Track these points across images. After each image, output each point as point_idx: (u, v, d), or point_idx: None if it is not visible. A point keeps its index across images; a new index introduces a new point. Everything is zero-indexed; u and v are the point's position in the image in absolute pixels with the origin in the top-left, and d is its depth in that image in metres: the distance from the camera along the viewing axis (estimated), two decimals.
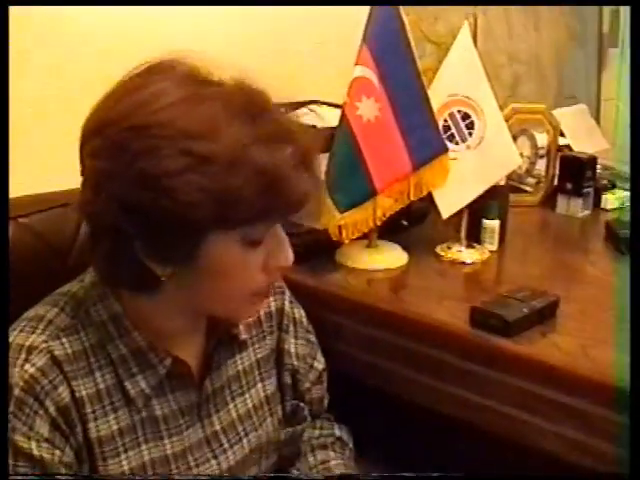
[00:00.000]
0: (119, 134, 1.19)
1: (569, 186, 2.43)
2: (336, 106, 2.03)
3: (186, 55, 1.27)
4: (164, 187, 1.16)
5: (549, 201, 2.51)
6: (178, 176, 1.16)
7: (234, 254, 1.25)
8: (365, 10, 1.90)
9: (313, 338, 1.65)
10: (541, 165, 2.55)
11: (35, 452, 1.25)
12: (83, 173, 1.27)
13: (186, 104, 1.19)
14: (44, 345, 1.28)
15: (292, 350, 1.59)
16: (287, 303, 1.60)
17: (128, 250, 1.24)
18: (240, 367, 1.50)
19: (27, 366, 1.26)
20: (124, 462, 1.34)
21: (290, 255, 1.32)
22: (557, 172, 2.50)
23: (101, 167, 1.21)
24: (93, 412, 1.31)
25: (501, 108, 2.12)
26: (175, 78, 1.23)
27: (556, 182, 2.50)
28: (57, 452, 1.27)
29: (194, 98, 1.20)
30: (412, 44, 1.94)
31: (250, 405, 1.51)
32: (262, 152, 1.19)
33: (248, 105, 1.22)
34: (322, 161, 1.82)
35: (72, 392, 1.29)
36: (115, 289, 1.34)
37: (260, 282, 1.31)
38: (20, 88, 1.82)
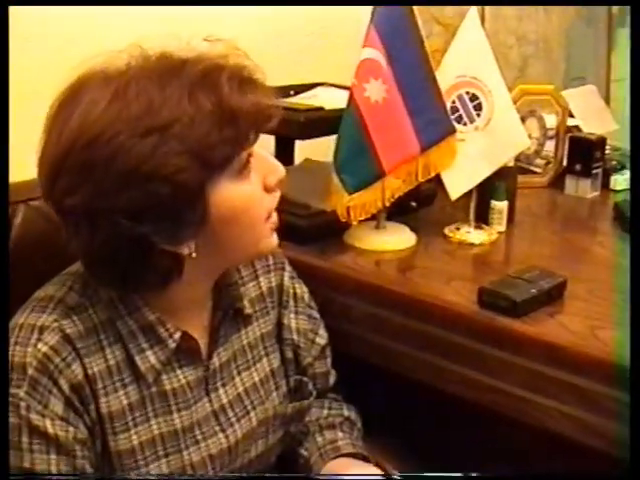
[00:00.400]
0: (78, 158, 1.22)
1: (578, 167, 2.43)
2: (344, 88, 2.03)
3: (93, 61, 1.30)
4: (147, 173, 1.20)
5: (558, 182, 2.50)
6: (152, 156, 1.19)
7: (236, 193, 1.30)
8: None
9: (315, 314, 1.67)
10: (550, 146, 2.54)
11: (50, 430, 1.27)
12: (65, 221, 1.29)
13: (117, 99, 1.22)
14: (55, 324, 1.30)
15: (293, 325, 1.61)
16: (287, 279, 1.62)
17: (150, 248, 1.26)
18: (245, 341, 1.52)
19: (40, 345, 1.28)
20: (134, 437, 1.36)
21: (279, 166, 1.38)
22: (566, 153, 2.49)
23: (85, 196, 1.23)
24: (104, 388, 1.33)
25: (510, 89, 2.12)
26: (95, 85, 1.26)
27: (565, 163, 2.50)
28: (71, 429, 1.29)
29: (121, 90, 1.23)
30: (420, 26, 1.94)
31: (256, 379, 1.53)
32: (205, 94, 1.23)
33: (165, 67, 1.26)
34: (329, 144, 1.84)
35: (84, 369, 1.31)
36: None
37: (268, 203, 1.37)
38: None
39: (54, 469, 1.28)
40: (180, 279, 1.33)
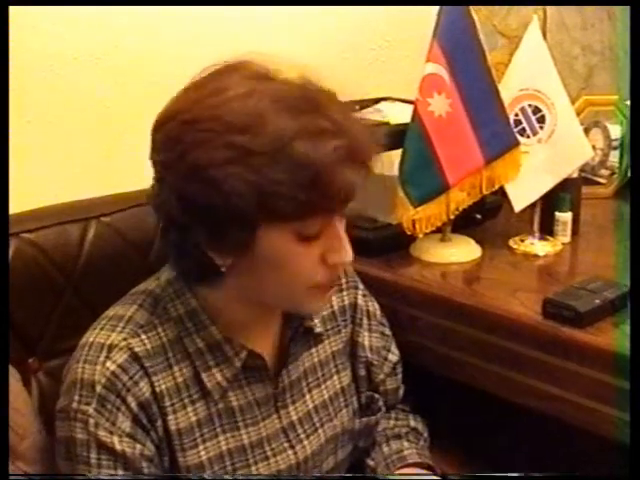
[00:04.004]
0: (175, 128, 1.25)
1: None
2: (408, 102, 2.05)
3: (259, 55, 1.30)
4: (210, 178, 1.20)
5: (622, 192, 2.49)
6: (222, 168, 1.20)
7: (289, 247, 1.27)
8: (434, 8, 1.92)
9: (387, 331, 1.67)
10: (614, 156, 2.53)
11: (117, 447, 1.29)
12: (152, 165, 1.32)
13: (237, 99, 1.22)
14: (124, 343, 1.32)
15: (366, 343, 1.61)
16: (360, 297, 1.62)
17: (191, 240, 1.28)
18: (316, 359, 1.53)
19: (108, 363, 1.30)
20: (202, 452, 1.37)
21: (348, 251, 1.32)
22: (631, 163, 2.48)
23: (160, 160, 1.28)
24: (172, 405, 1.35)
25: (575, 99, 2.12)
26: (239, 76, 1.26)
27: (629, 173, 2.49)
28: (138, 446, 1.31)
29: (247, 94, 1.23)
30: (483, 39, 1.96)
31: (326, 396, 1.54)
32: (306, 146, 1.20)
33: (300, 101, 1.23)
34: (394, 158, 1.86)
35: (152, 387, 1.33)
36: (188, 283, 1.37)
37: (319, 275, 1.32)
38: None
39: None
40: (222, 290, 1.35)
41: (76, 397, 1.30)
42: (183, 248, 1.31)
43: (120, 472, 1.30)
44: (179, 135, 1.24)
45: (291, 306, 1.41)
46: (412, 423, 1.71)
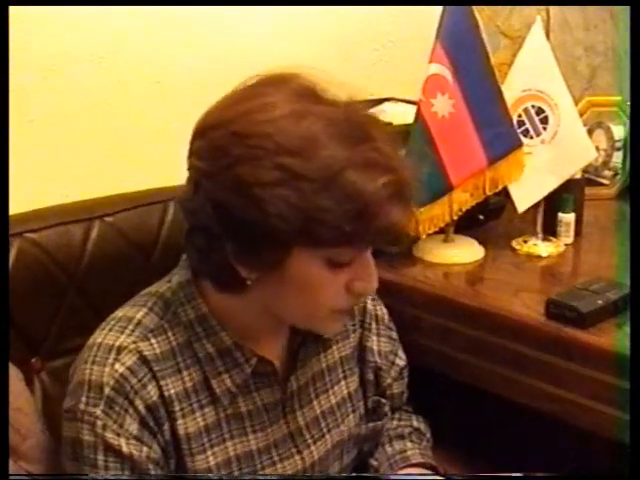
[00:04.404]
0: (222, 138, 1.23)
1: None
2: (411, 103, 2.05)
3: (304, 70, 1.29)
4: (255, 196, 1.18)
5: (626, 194, 2.48)
6: (269, 188, 1.18)
7: (318, 271, 1.26)
8: (437, 8, 1.92)
9: (395, 335, 1.67)
10: (618, 157, 2.53)
11: (124, 449, 1.29)
12: (188, 170, 1.30)
13: (290, 119, 1.21)
14: (133, 345, 1.32)
15: (375, 348, 1.61)
16: (369, 301, 1.61)
17: (219, 250, 1.26)
18: (324, 364, 1.53)
19: (117, 365, 1.30)
20: (210, 458, 1.37)
21: (375, 281, 1.32)
22: None
23: (201, 167, 1.25)
24: (181, 410, 1.34)
25: (578, 100, 2.12)
26: (287, 92, 1.25)
27: None
28: (145, 449, 1.30)
29: (299, 114, 1.21)
30: (486, 40, 1.96)
31: (333, 402, 1.54)
32: (357, 177, 1.19)
33: (351, 129, 1.22)
34: None
35: (160, 390, 1.32)
36: (202, 288, 1.37)
37: (343, 301, 1.32)
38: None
39: None
40: (241, 300, 1.34)
41: (83, 398, 1.30)
42: (208, 255, 1.30)
43: (127, 474, 1.29)
44: (227, 146, 1.22)
45: (309, 326, 1.41)
46: (415, 423, 1.71)
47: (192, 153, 1.29)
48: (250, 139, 1.20)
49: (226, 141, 1.22)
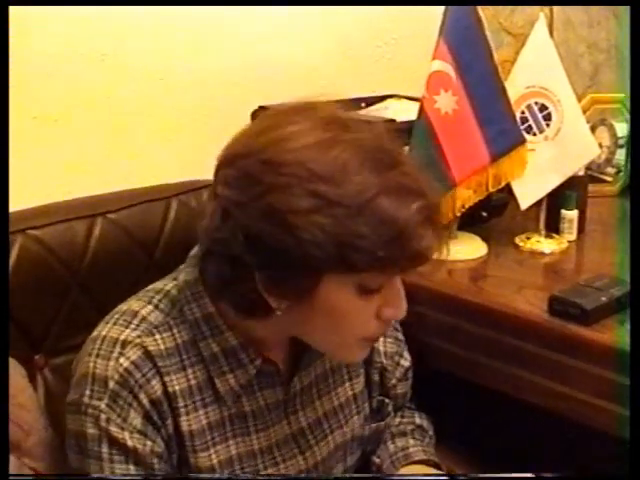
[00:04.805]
0: (252, 166, 1.22)
1: None
2: (414, 100, 2.05)
3: (330, 98, 1.30)
4: (289, 223, 1.17)
5: (629, 191, 2.47)
6: (304, 215, 1.17)
7: (349, 298, 1.25)
8: (440, 6, 1.93)
9: (401, 336, 1.66)
10: (621, 154, 2.53)
11: (129, 442, 1.29)
12: (214, 198, 1.28)
13: (320, 147, 1.20)
14: (138, 340, 1.32)
15: (381, 348, 1.60)
16: None
17: (248, 279, 1.25)
18: (328, 366, 1.52)
19: (122, 359, 1.30)
20: (213, 456, 1.37)
21: (404, 308, 1.31)
22: None
23: (231, 196, 1.23)
24: (185, 406, 1.34)
25: (581, 97, 2.12)
26: (314, 120, 1.24)
27: None
28: (149, 443, 1.31)
29: (329, 142, 1.21)
30: (489, 37, 1.96)
31: (336, 403, 1.53)
32: (390, 203, 1.19)
33: (380, 155, 1.22)
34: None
35: (164, 386, 1.32)
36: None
37: (372, 328, 1.32)
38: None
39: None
40: (261, 322, 1.33)
41: (87, 392, 1.30)
42: (234, 283, 1.29)
43: (132, 467, 1.30)
44: (258, 175, 1.21)
45: (335, 353, 1.41)
46: (417, 420, 1.71)
47: (219, 182, 1.27)
48: (282, 167, 1.19)
49: (257, 169, 1.21)
